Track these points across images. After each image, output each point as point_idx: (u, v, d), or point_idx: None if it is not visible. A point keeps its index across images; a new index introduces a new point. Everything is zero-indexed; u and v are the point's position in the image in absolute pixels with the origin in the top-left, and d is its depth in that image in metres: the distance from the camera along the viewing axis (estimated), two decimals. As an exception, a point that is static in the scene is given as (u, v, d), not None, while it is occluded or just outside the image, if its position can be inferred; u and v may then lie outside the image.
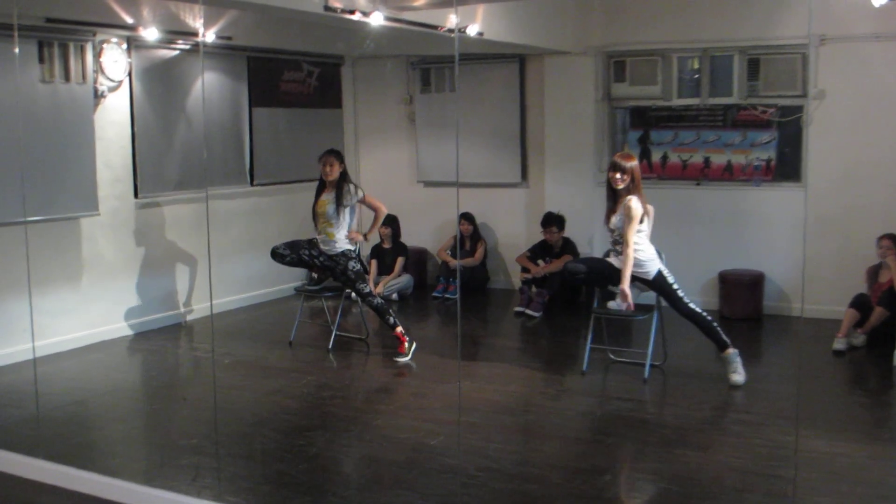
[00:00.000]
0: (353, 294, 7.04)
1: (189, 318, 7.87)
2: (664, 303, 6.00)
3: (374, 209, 6.75)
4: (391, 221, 8.67)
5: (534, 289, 8.15)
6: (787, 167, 7.91)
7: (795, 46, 7.69)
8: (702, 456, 4.69)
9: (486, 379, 6.12)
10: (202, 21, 7.46)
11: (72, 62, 6.73)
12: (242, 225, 8.42)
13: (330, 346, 6.87)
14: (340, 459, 4.87)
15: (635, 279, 5.84)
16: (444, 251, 9.06)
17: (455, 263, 8.74)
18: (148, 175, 7.48)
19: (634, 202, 5.72)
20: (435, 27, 6.46)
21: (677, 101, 8.28)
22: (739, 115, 8.03)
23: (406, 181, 9.65)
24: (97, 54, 6.94)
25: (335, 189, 6.57)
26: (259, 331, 7.65)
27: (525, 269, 8.30)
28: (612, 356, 6.43)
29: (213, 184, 7.97)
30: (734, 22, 7.84)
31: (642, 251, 5.79)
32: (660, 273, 5.84)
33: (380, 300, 6.80)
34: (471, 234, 9.00)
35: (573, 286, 8.15)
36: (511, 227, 9.18)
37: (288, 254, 6.73)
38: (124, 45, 7.15)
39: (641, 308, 6.08)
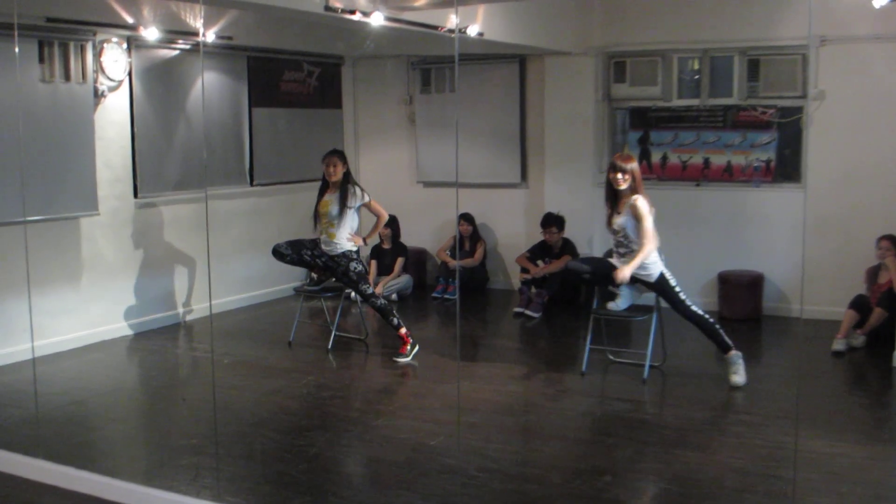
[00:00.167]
0: (355, 295, 7.05)
1: (188, 318, 7.87)
2: (663, 303, 6.01)
3: (377, 214, 6.77)
4: (391, 222, 8.65)
5: (533, 289, 8.15)
6: (786, 168, 7.92)
7: (795, 47, 7.70)
8: (701, 456, 4.70)
9: (486, 379, 6.12)
10: (202, 21, 7.46)
11: (72, 62, 6.72)
12: (242, 225, 8.42)
13: (329, 347, 6.87)
14: (340, 459, 4.87)
15: (637, 281, 5.84)
16: (444, 251, 9.06)
17: (454, 264, 8.74)
18: (148, 175, 7.48)
19: (641, 201, 5.73)
20: (435, 27, 6.46)
21: (677, 102, 8.28)
22: (739, 115, 8.03)
23: (406, 181, 9.65)
24: (97, 54, 6.94)
25: (339, 190, 6.58)
26: (258, 331, 7.64)
27: (524, 270, 8.29)
28: (611, 357, 6.43)
29: (212, 184, 7.97)
30: (734, 23, 7.84)
31: (645, 253, 5.79)
32: (662, 276, 5.84)
33: (383, 301, 6.79)
34: (470, 234, 9.00)
35: (573, 286, 8.15)
36: (510, 228, 9.18)
37: (289, 253, 6.73)
38: (124, 45, 7.15)
39: (641, 309, 6.09)
